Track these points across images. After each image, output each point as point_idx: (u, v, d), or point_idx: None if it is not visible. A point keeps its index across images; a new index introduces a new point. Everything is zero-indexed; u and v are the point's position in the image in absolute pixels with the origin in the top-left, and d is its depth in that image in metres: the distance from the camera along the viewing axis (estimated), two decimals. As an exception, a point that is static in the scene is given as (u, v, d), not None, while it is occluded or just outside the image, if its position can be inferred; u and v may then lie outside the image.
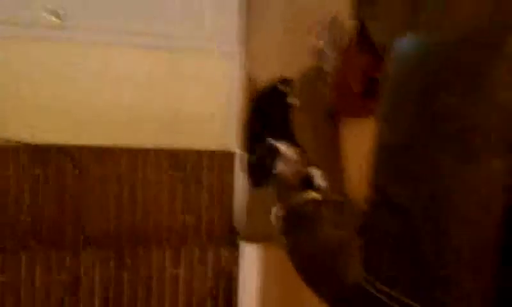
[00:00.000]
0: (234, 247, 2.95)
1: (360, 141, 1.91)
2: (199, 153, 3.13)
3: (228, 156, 3.16)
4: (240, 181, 2.94)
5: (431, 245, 0.91)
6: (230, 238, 2.98)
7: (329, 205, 1.76)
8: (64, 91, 3.20)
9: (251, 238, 2.77)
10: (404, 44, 1.06)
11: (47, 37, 3.09)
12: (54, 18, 3.09)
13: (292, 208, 1.80)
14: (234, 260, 3.00)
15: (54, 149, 2.83)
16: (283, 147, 2.03)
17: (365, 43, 1.75)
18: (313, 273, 1.55)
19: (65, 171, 2.90)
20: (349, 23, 1.92)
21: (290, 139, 2.07)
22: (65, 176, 2.90)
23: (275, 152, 2.07)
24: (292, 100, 2.08)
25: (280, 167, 2.04)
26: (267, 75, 2.91)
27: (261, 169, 2.09)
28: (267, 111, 2.38)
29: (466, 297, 0.87)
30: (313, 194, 1.84)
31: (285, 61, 2.65)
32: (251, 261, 3.05)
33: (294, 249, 1.73)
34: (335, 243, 1.50)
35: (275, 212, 1.86)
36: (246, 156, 2.29)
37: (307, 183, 1.87)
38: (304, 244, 1.65)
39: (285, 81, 2.43)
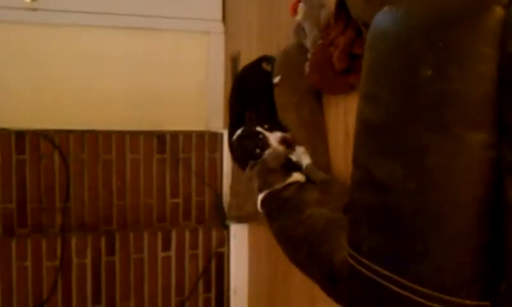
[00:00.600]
0: (224, 228, 2.96)
1: (342, 117, 1.91)
2: (187, 135, 3.12)
3: (215, 137, 3.15)
4: (230, 162, 2.93)
5: (411, 219, 0.91)
6: (220, 220, 2.99)
7: (314, 186, 1.77)
8: (47, 75, 3.16)
9: (239, 219, 2.79)
10: (382, 20, 1.05)
11: (22, 20, 3.04)
12: (28, 0, 3.04)
13: (274, 193, 1.82)
14: (224, 241, 3.01)
15: (37, 134, 2.80)
16: (273, 140, 2.03)
17: (345, 19, 1.75)
18: (302, 255, 1.56)
19: (52, 156, 2.88)
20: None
21: (273, 118, 2.07)
22: (53, 162, 2.88)
23: (265, 144, 2.07)
24: (275, 78, 2.07)
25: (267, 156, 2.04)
26: (246, 53, 2.90)
27: (246, 153, 2.09)
28: (249, 90, 2.37)
29: (446, 270, 0.87)
30: (297, 177, 1.85)
31: (262, 39, 2.63)
32: (241, 241, 3.06)
33: (280, 233, 1.74)
34: (321, 224, 1.52)
35: (260, 198, 1.87)
36: (230, 138, 2.30)
37: (290, 166, 1.87)
38: (289, 227, 1.66)
39: (267, 59, 2.42)
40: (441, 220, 0.88)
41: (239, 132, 2.14)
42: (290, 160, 1.88)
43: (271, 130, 2.04)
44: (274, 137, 2.02)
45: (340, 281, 1.21)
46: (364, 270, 1.01)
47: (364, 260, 1.01)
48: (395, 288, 0.92)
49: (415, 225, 0.91)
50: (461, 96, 0.86)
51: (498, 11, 0.83)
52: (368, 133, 1.04)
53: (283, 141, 2.00)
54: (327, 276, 1.33)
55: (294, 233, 1.64)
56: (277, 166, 1.86)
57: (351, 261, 1.07)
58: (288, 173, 1.84)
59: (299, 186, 1.80)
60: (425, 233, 0.89)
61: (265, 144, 2.03)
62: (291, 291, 2.38)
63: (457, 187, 0.86)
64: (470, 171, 0.85)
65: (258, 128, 2.05)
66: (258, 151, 2.05)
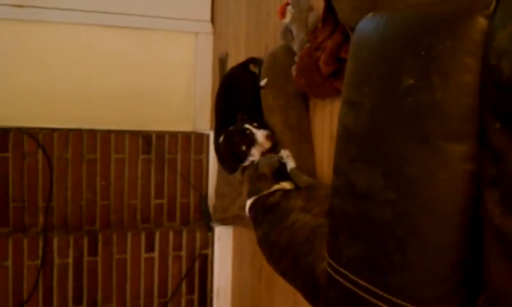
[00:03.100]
0: (208, 230, 2.94)
1: (328, 121, 1.90)
2: (173, 135, 3.09)
3: (202, 138, 3.13)
4: (216, 164, 2.91)
5: (390, 229, 0.90)
6: (205, 222, 2.97)
7: (298, 193, 1.76)
8: (33, 73, 3.12)
9: (223, 221, 2.77)
10: (365, 27, 1.04)
11: (9, 17, 2.99)
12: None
13: (261, 199, 1.80)
14: (208, 243, 2.99)
15: (21, 132, 2.76)
16: (260, 136, 2.02)
17: (333, 23, 1.73)
18: (286, 265, 1.55)
19: (36, 154, 2.84)
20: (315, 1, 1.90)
21: (259, 121, 2.06)
22: (37, 160, 2.85)
23: (252, 140, 2.05)
24: (262, 81, 2.06)
25: (254, 154, 2.03)
26: (234, 54, 2.89)
27: (234, 156, 2.08)
28: (237, 91, 2.35)
29: (424, 282, 0.86)
30: (284, 185, 1.84)
31: (250, 40, 2.62)
32: (225, 244, 3.04)
33: (264, 241, 1.73)
34: (304, 233, 1.50)
35: (248, 204, 1.86)
36: (216, 140, 2.28)
37: (281, 174, 1.86)
38: (274, 234, 1.65)
39: (255, 61, 2.41)
40: (421, 232, 0.87)
41: (228, 134, 2.13)
42: (282, 168, 1.87)
43: (258, 128, 2.04)
44: (261, 134, 2.01)
45: (322, 290, 1.20)
46: (342, 280, 0.99)
47: (342, 270, 1.00)
48: (372, 299, 0.91)
49: (394, 235, 0.89)
50: (442, 107, 0.85)
51: (481, 21, 0.82)
52: (350, 141, 1.03)
53: (269, 138, 2.00)
54: (310, 287, 1.32)
55: (277, 240, 1.62)
56: (269, 173, 1.86)
57: (329, 270, 1.06)
58: (277, 181, 1.83)
59: (284, 192, 1.79)
60: (404, 244, 0.88)
61: (251, 140, 2.02)
62: (274, 294, 2.37)
63: (436, 199, 0.85)
64: (449, 183, 0.84)
65: (246, 125, 2.05)
66: (244, 148, 2.04)
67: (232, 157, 2.14)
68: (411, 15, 0.95)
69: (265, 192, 1.82)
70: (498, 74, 0.76)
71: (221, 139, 2.20)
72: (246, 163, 2.06)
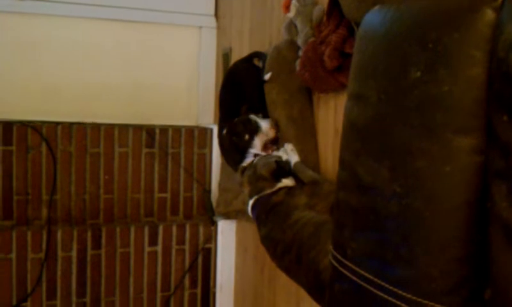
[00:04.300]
0: (212, 225, 2.94)
1: (332, 115, 1.90)
2: (176, 129, 3.09)
3: (205, 132, 3.13)
4: (219, 158, 2.91)
5: (396, 223, 0.90)
6: (208, 216, 2.97)
7: (302, 189, 1.76)
8: (36, 66, 3.12)
9: (226, 215, 2.77)
10: (371, 20, 1.04)
11: (10, 10, 2.99)
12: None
13: (264, 198, 1.81)
14: (212, 237, 2.99)
15: (25, 125, 2.76)
16: (264, 124, 2.02)
17: (337, 17, 1.73)
18: (289, 261, 1.55)
19: (40, 148, 2.84)
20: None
21: (264, 114, 2.06)
22: (40, 154, 2.85)
23: (255, 127, 2.05)
24: (266, 75, 2.06)
25: (257, 145, 2.03)
26: (238, 49, 2.88)
27: (237, 148, 2.08)
28: (241, 85, 2.35)
29: (430, 276, 0.86)
30: (286, 182, 1.84)
31: (254, 35, 2.61)
32: (228, 238, 3.05)
33: (268, 239, 1.73)
34: (309, 229, 1.50)
35: (250, 204, 1.87)
36: (220, 133, 2.28)
37: (280, 173, 1.86)
38: (277, 232, 1.65)
39: (259, 55, 2.41)
40: (427, 225, 0.86)
41: (232, 127, 2.13)
42: (279, 166, 1.87)
43: (263, 118, 2.05)
44: (265, 123, 2.02)
45: (326, 286, 1.19)
46: (347, 273, 0.99)
47: (347, 262, 1.00)
48: (377, 292, 0.91)
49: (400, 228, 0.89)
50: (449, 100, 0.84)
51: (489, 14, 0.81)
52: (356, 134, 1.03)
53: (273, 126, 2.00)
54: (314, 282, 1.32)
55: (281, 238, 1.62)
56: (267, 174, 1.86)
57: (334, 263, 1.06)
58: (278, 179, 1.83)
59: (288, 190, 1.79)
60: (410, 237, 0.88)
61: (255, 128, 2.02)
62: (277, 289, 2.37)
63: (443, 192, 0.85)
64: (456, 176, 0.84)
65: (251, 116, 2.06)
66: (247, 136, 2.04)
67: (234, 149, 2.14)
68: (418, 7, 0.94)
69: (269, 191, 1.82)
70: (507, 67, 0.76)
71: (225, 131, 2.20)
72: (245, 163, 2.06)
